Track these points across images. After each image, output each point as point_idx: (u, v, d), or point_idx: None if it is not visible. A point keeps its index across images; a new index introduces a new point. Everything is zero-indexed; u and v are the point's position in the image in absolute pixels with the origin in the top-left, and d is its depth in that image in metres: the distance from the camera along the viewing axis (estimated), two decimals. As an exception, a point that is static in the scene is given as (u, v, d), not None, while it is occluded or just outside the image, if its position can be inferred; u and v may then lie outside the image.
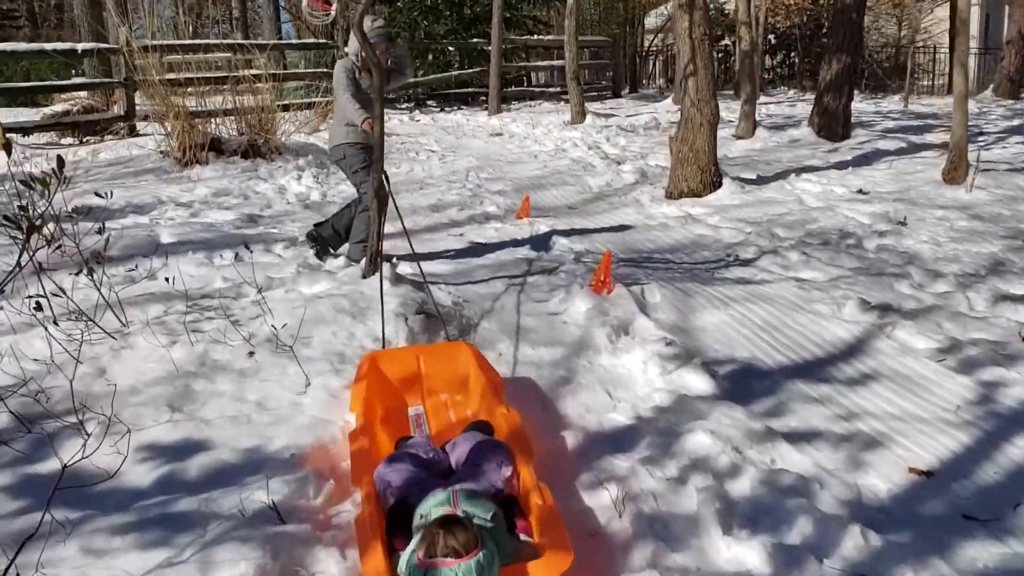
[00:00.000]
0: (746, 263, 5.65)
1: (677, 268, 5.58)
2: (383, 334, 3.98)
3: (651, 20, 28.39)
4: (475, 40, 18.51)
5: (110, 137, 11.61)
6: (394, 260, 5.29)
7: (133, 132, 11.84)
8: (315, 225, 5.74)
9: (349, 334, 4.01)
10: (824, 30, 24.22)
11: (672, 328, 4.39)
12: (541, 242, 6.28)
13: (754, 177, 8.22)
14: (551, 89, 20.27)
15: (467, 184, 8.67)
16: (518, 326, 4.47)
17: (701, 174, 7.60)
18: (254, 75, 9.76)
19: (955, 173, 7.51)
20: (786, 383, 3.84)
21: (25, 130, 11.35)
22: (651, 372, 3.85)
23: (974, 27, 23.94)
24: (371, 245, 4.72)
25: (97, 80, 13.17)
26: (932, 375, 3.90)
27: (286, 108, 10.82)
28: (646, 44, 28.32)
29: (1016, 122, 12.03)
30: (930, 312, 4.63)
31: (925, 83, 23.39)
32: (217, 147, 9.03)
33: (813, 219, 6.61)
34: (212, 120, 9.33)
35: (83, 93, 14.21)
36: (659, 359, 3.89)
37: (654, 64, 30.75)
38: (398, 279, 4.67)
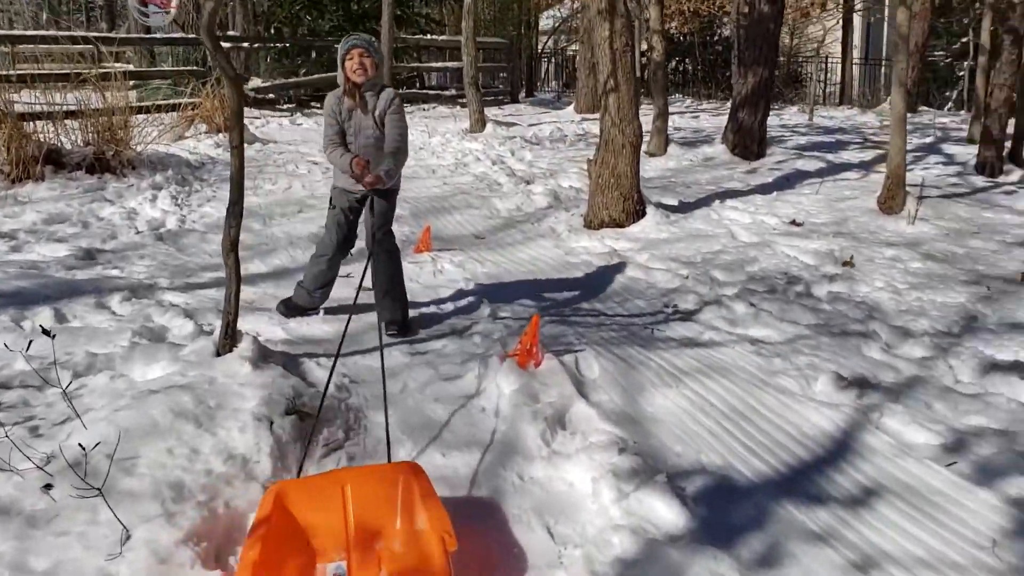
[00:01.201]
0: (688, 316, 4.80)
1: (611, 324, 4.67)
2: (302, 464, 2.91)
3: (544, 22, 27.74)
4: (364, 38, 17.26)
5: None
6: (257, 333, 4.17)
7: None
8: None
9: (191, 451, 2.91)
10: (717, 37, 24.22)
11: (619, 417, 3.47)
12: (447, 288, 5.28)
13: (676, 203, 7.43)
14: (447, 92, 19.24)
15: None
16: (424, 418, 3.48)
17: (623, 202, 6.74)
18: (103, 72, 8.38)
19: (892, 202, 6.91)
20: (774, 507, 2.96)
21: None
22: (604, 496, 2.91)
23: (857, 37, 24.31)
24: (227, 311, 3.62)
25: None
26: (946, 488, 3.10)
27: (145, 111, 9.48)
28: (540, 46, 27.65)
29: (927, 139, 11.73)
30: (913, 388, 3.87)
31: (814, 92, 23.53)
32: (56, 160, 7.64)
33: (752, 258, 5.83)
34: (51, 126, 7.92)
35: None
36: (613, 477, 2.96)
37: (547, 67, 30.14)
38: (263, 357, 3.59)
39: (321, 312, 4.64)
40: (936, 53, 22.42)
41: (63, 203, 6.84)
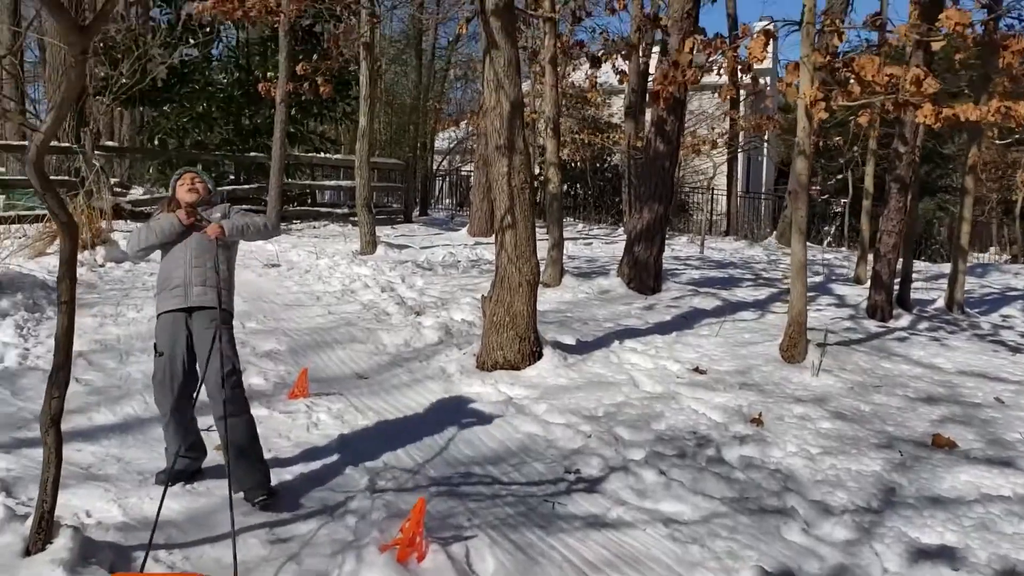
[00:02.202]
0: (593, 486, 4.33)
1: (507, 495, 4.15)
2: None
3: (440, 142, 27.98)
4: (254, 154, 16.79)
5: None
6: (82, 520, 3.49)
7: None
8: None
9: None
10: (607, 164, 24.83)
11: (517, 632, 2.93)
12: (322, 447, 4.67)
13: (575, 342, 7.06)
14: (338, 210, 18.81)
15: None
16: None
17: (519, 342, 6.33)
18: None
19: (794, 351, 6.72)
20: None
21: None
22: None
23: (739, 170, 25.38)
24: (42, 499, 2.94)
25: None
26: None
27: (3, 221, 8.65)
28: (435, 166, 27.76)
29: (817, 277, 11.90)
30: (842, 580, 3.49)
31: (698, 217, 24.25)
32: None
33: (657, 413, 5.46)
34: None
35: None
36: None
37: (442, 186, 30.26)
38: (84, 558, 2.91)
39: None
40: (813, 190, 23.52)
41: None
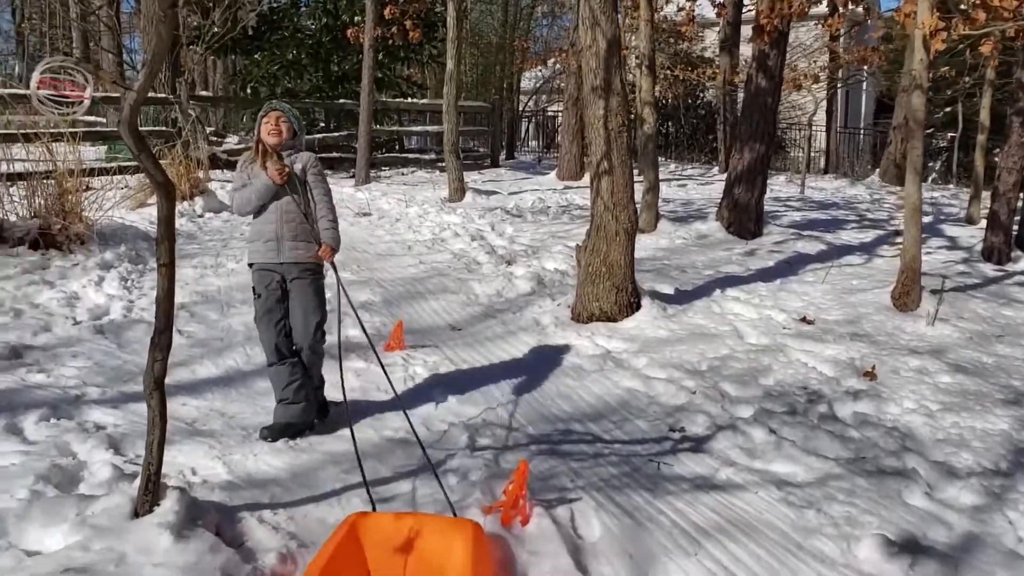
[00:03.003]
0: (699, 445, 4.16)
1: (610, 455, 4.01)
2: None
3: (526, 82, 27.54)
4: (342, 100, 16.81)
5: None
6: (188, 480, 3.50)
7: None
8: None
9: None
10: (699, 101, 24.05)
11: (627, 602, 2.81)
12: (419, 401, 4.61)
13: (673, 292, 6.84)
14: (426, 156, 18.76)
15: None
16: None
17: (616, 293, 6.14)
18: (54, 133, 7.72)
19: (907, 299, 6.36)
20: None
21: None
22: None
23: (837, 105, 24.24)
24: (148, 462, 2.94)
25: None
26: None
27: (101, 172, 8.82)
28: (521, 107, 27.39)
29: (925, 219, 11.28)
30: (972, 552, 3.27)
31: (795, 155, 23.34)
32: (-4, 234, 6.96)
33: (764, 367, 5.23)
34: (-6, 196, 7.25)
35: None
36: None
37: (528, 128, 29.88)
38: (191, 520, 2.90)
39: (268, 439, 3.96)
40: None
41: (-5, 289, 6.14)
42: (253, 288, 4.13)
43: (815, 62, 17.19)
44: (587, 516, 3.33)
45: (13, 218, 7.23)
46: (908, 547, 3.24)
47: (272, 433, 3.96)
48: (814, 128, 22.15)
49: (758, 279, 7.41)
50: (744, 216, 9.46)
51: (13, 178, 7.52)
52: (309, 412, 4.12)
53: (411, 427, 3.65)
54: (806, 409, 4.61)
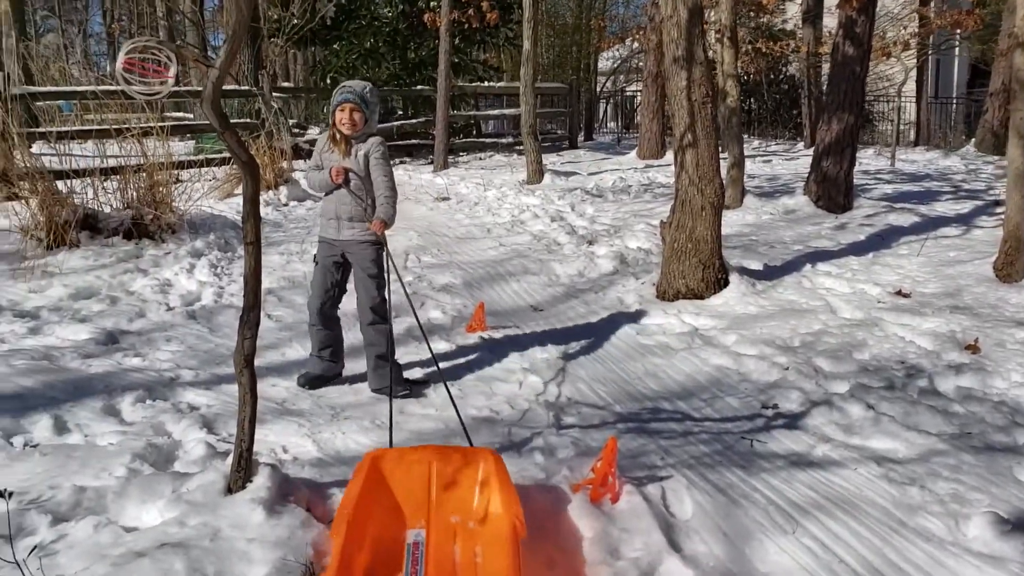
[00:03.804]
0: (793, 421, 4.02)
1: (700, 432, 3.92)
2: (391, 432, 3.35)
3: (603, 63, 27.24)
4: (420, 87, 16.90)
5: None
6: (279, 457, 3.54)
7: (13, 196, 9.90)
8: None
9: (176, 650, 2.25)
10: (782, 76, 23.40)
11: (723, 580, 2.72)
12: (503, 381, 4.58)
13: (761, 268, 6.65)
14: (503, 140, 18.74)
15: (406, 275, 6.92)
16: None
17: (703, 270, 6.00)
18: (144, 128, 7.94)
19: (1011, 269, 6.04)
20: None
21: None
22: None
23: (928, 74, 23.22)
24: (239, 439, 2.98)
25: None
26: None
27: (190, 165, 9.04)
28: (599, 87, 27.11)
29: None
30: (1095, 530, 3.05)
31: (883, 127, 22.53)
32: (92, 225, 7.20)
33: (859, 341, 5.03)
34: (90, 189, 7.49)
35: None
36: None
37: (606, 108, 29.57)
38: (282, 496, 2.93)
39: (362, 421, 3.98)
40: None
41: (94, 275, 6.35)
42: (315, 255, 4.55)
43: (904, 28, 16.52)
44: (679, 494, 3.25)
45: (108, 210, 7.46)
46: (1020, 524, 3.06)
47: (307, 380, 4.47)
48: (903, 98, 21.34)
49: (849, 253, 7.15)
50: (833, 189, 9.15)
51: (107, 172, 7.76)
52: (336, 368, 4.59)
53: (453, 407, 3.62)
54: (905, 384, 4.41)
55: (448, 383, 4.14)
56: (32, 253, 6.74)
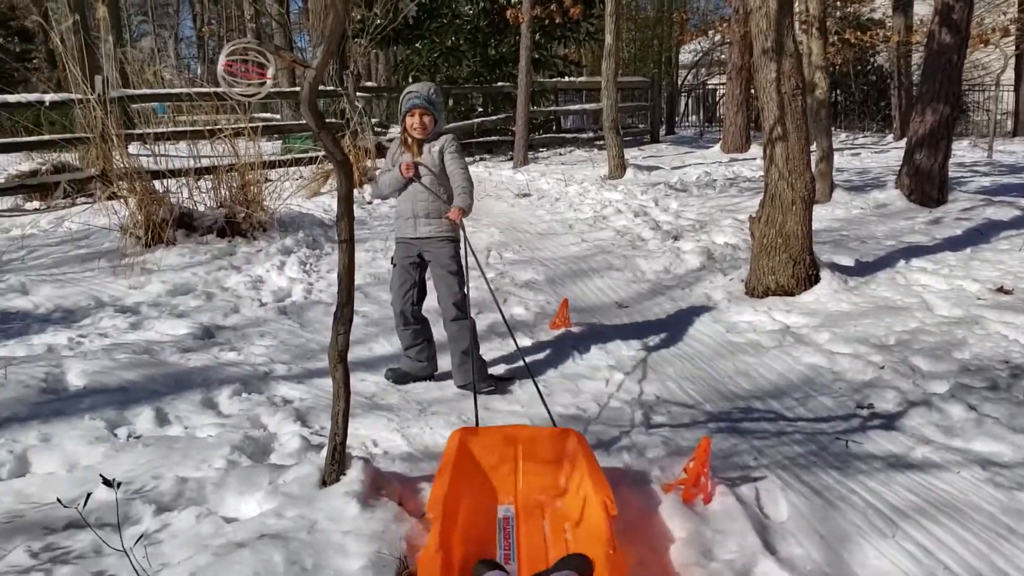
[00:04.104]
0: (890, 422, 3.90)
1: (793, 432, 3.83)
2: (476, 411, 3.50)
3: (684, 55, 26.88)
4: (500, 84, 16.95)
5: (83, 200, 10.05)
6: (370, 451, 3.60)
7: (113, 196, 10.30)
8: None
9: (277, 640, 2.30)
10: (870, 67, 22.70)
11: (820, 585, 2.65)
12: (588, 379, 4.56)
13: (853, 264, 6.47)
14: (583, 135, 18.66)
15: (488, 271, 6.95)
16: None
17: (793, 266, 5.87)
18: (235, 128, 8.16)
19: (1125, 264, 5.73)
20: None
21: (-17, 195, 9.85)
22: None
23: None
24: (334, 432, 3.04)
25: (57, 137, 10.42)
26: None
27: (278, 164, 9.25)
28: (680, 81, 26.76)
29: None
30: None
31: (978, 118, 21.63)
32: (188, 223, 7.44)
33: (959, 340, 4.84)
34: (185, 188, 7.75)
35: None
36: None
37: (687, 102, 29.19)
38: (375, 489, 2.97)
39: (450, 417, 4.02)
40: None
41: (190, 272, 6.56)
42: (392, 257, 4.59)
43: (1004, 14, 15.83)
44: (773, 495, 3.18)
45: (202, 208, 7.70)
46: None
47: (395, 376, 4.57)
48: (1001, 87, 20.47)
49: (945, 248, 6.89)
50: (927, 183, 8.83)
51: (201, 172, 8.00)
52: (429, 369, 4.62)
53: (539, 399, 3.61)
54: (1009, 384, 4.23)
55: (534, 379, 4.14)
56: (131, 250, 7.01)
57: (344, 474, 3.01)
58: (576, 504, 2.92)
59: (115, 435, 3.66)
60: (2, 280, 6.26)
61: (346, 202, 2.84)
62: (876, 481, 3.33)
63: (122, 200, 7.38)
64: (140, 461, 3.35)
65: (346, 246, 2.85)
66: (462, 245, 4.41)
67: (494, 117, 17.15)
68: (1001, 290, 5.72)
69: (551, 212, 9.99)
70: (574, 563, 2.55)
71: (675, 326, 5.53)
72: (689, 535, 2.88)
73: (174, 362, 4.68)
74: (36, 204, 10.07)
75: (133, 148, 9.27)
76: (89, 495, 2.50)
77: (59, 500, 2.62)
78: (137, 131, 8.76)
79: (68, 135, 9.90)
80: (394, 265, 4.57)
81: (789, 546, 2.87)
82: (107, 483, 2.32)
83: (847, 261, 6.50)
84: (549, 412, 3.58)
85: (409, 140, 4.42)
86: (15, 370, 4.26)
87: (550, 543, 2.81)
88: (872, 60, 22.55)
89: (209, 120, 8.77)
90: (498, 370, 4.69)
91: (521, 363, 4.47)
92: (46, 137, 10.12)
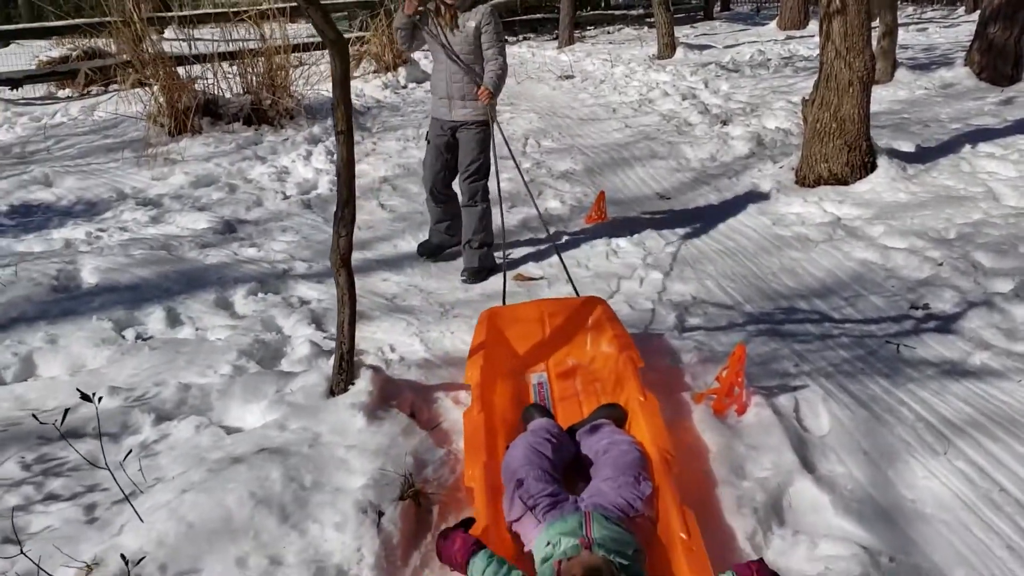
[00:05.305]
0: (946, 325, 3.60)
1: (839, 336, 3.55)
2: (504, 292, 3.65)
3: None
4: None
5: (115, 88, 9.81)
6: (386, 359, 3.41)
7: (138, 83, 10.04)
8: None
9: (269, 562, 2.16)
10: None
11: (864, 508, 2.43)
12: (624, 277, 4.29)
13: (914, 149, 6.01)
14: (633, 12, 17.79)
15: (523, 160, 6.62)
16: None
17: (848, 152, 5.45)
18: (261, 10, 7.78)
19: None
20: None
21: (14, 81, 9.67)
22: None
23: None
24: (340, 341, 2.85)
25: (82, 21, 10.26)
26: None
27: (307, 48, 8.88)
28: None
29: None
30: None
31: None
32: (213, 111, 7.20)
33: (1029, 234, 4.46)
34: (211, 75, 7.47)
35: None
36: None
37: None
38: (384, 400, 2.80)
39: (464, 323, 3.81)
40: None
41: (214, 162, 6.36)
42: (426, 135, 4.52)
43: None
44: (814, 406, 2.94)
45: (228, 95, 7.43)
46: None
47: (426, 250, 4.65)
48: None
49: (1017, 131, 6.37)
50: (999, 59, 8.18)
51: (226, 57, 7.69)
52: (452, 241, 4.67)
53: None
54: (1083, 284, 3.87)
55: (563, 277, 3.91)
56: (156, 140, 6.81)
57: (353, 384, 2.84)
58: (605, 363, 3.05)
59: (123, 337, 3.53)
60: (26, 172, 6.13)
61: (342, 88, 2.58)
62: (928, 391, 3.07)
63: (147, 88, 7.14)
64: (144, 366, 3.22)
65: (344, 138, 2.60)
66: (493, 130, 4.24)
67: (539, -7, 16.40)
68: (1077, 178, 5.25)
69: (594, 96, 9.52)
70: (608, 412, 2.71)
71: (718, 219, 5.20)
72: (719, 450, 2.67)
73: (191, 258, 4.53)
74: (68, 92, 9.88)
75: (169, 32, 8.98)
76: (67, 411, 2.35)
77: (34, 416, 2.50)
78: (159, 14, 8.42)
79: (94, 19, 9.59)
80: (428, 142, 4.49)
81: (829, 463, 2.65)
82: (85, 398, 2.16)
83: (907, 147, 6.04)
84: (573, 284, 3.70)
85: (441, 8, 4.10)
86: (28, 267, 4.14)
87: (583, 400, 2.95)
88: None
89: (236, 1, 8.41)
90: (529, 268, 4.45)
91: (556, 258, 4.23)
92: (73, 21, 9.82)
